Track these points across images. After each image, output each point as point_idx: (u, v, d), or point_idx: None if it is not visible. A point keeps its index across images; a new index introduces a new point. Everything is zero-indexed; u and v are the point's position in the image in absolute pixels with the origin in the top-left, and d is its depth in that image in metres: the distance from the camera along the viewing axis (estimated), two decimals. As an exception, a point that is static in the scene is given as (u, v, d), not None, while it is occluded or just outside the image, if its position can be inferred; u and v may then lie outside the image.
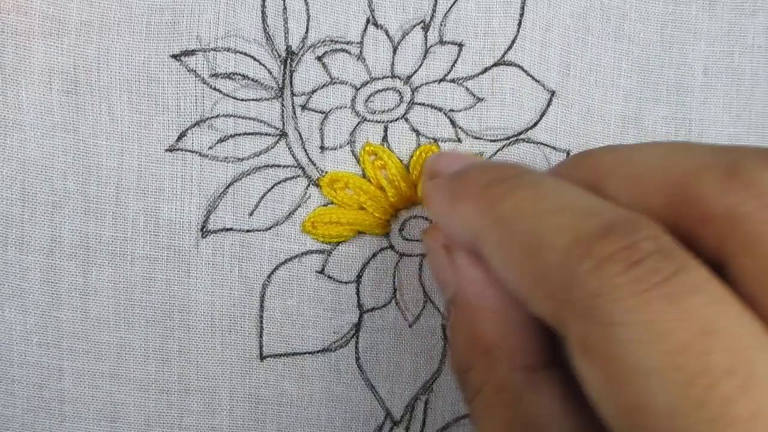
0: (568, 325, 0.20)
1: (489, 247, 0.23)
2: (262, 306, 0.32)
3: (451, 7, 0.32)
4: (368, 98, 0.32)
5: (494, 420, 0.24)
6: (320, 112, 0.32)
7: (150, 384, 0.33)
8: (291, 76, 0.32)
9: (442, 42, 0.32)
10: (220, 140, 0.32)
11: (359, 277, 0.32)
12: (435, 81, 0.32)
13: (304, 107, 0.32)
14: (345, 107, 0.32)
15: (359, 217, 0.32)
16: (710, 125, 0.33)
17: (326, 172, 0.32)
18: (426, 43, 0.32)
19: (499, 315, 0.25)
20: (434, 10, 0.32)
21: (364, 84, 0.32)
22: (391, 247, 0.32)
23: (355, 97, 0.32)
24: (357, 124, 0.32)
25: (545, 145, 0.32)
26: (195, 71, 0.31)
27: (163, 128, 0.32)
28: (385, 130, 0.32)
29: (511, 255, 0.22)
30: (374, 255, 0.33)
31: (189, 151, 0.32)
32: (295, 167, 0.32)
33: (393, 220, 0.32)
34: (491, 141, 0.32)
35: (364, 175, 0.32)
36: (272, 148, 0.32)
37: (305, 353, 0.33)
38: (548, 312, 0.21)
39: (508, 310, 0.24)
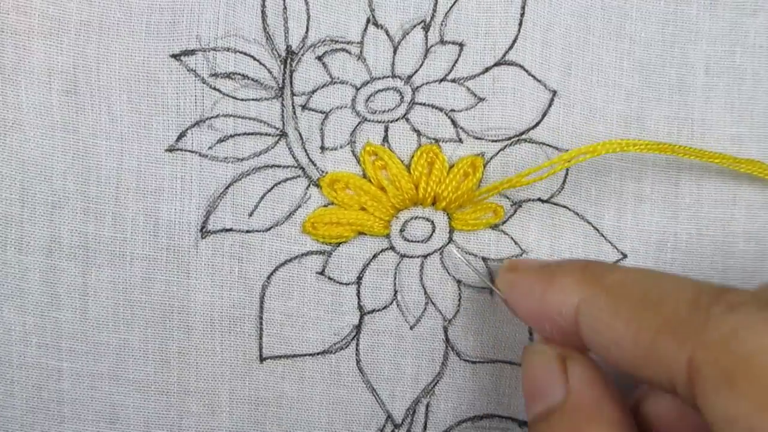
0: (704, 364, 0.22)
1: (597, 312, 0.25)
2: (261, 307, 0.32)
3: (452, 6, 0.32)
4: (369, 98, 0.32)
5: None
6: (320, 112, 0.32)
7: (149, 385, 0.33)
8: (291, 76, 0.32)
9: (442, 42, 0.32)
10: (220, 140, 0.32)
11: (360, 278, 0.32)
12: (436, 81, 0.32)
13: (304, 107, 0.32)
14: (345, 107, 0.32)
15: (360, 218, 0.32)
16: (712, 125, 0.33)
17: (326, 173, 0.32)
18: (426, 42, 0.32)
19: (613, 424, 0.26)
20: (435, 10, 0.32)
21: (365, 84, 0.32)
22: (392, 248, 0.32)
23: (355, 97, 0.32)
24: (357, 124, 0.32)
25: (547, 145, 0.32)
26: (195, 71, 0.31)
27: (162, 128, 0.32)
28: (386, 130, 0.32)
29: (629, 313, 0.24)
30: (375, 256, 0.32)
31: (189, 151, 0.32)
32: (296, 167, 0.32)
33: (394, 221, 0.32)
34: (492, 141, 0.32)
35: (364, 176, 0.32)
36: (272, 148, 0.32)
37: (305, 355, 0.33)
38: (677, 358, 0.22)
39: (623, 419, 0.26)
